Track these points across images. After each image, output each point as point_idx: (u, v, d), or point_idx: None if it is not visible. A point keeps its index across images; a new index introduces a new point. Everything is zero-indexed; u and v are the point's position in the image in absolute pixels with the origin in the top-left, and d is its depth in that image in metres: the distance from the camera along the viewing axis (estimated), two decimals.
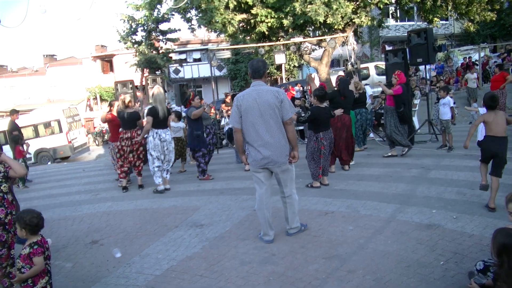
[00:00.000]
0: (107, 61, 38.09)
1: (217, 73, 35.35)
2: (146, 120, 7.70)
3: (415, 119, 11.78)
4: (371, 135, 12.22)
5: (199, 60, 36.36)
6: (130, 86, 12.38)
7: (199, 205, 6.59)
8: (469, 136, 5.59)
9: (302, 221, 5.04)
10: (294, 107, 4.68)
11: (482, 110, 8.38)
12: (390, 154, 9.24)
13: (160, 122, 7.55)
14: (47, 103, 37.53)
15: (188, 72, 36.16)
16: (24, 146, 10.53)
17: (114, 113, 8.62)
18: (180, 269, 4.29)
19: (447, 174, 7.10)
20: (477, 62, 24.51)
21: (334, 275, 3.83)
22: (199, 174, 8.72)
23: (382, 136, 11.62)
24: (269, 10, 13.18)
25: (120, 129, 8.12)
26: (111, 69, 37.96)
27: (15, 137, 10.32)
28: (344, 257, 4.17)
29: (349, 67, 13.59)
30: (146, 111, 8.86)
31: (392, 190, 6.42)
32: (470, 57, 25.39)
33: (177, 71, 35.24)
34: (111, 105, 8.88)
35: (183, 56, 36.25)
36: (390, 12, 21.11)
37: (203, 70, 35.31)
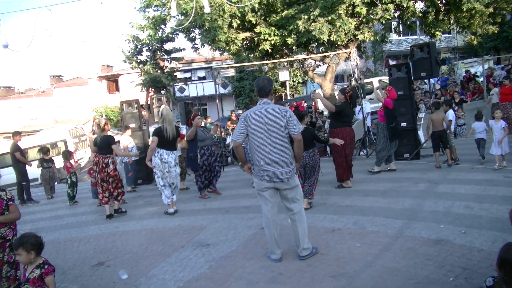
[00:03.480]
0: (113, 81, 38.48)
1: (222, 90, 35.54)
2: (151, 140, 7.66)
3: (420, 133, 11.75)
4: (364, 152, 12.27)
5: (203, 78, 36.64)
6: (136, 105, 12.46)
7: (205, 224, 6.57)
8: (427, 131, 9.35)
9: (309, 239, 4.96)
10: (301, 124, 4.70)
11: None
12: (389, 168, 9.22)
13: (166, 142, 7.33)
14: (53, 123, 37.85)
15: (193, 90, 36.43)
16: (72, 160, 10.41)
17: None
18: None
19: (454, 188, 7.05)
20: (477, 75, 24.49)
21: None
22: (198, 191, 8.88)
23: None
24: (273, 28, 13.33)
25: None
26: (117, 89, 38.33)
27: (65, 152, 10.52)
28: (352, 275, 4.13)
29: (353, 82, 13.64)
30: (151, 130, 8.97)
31: (399, 205, 6.38)
32: (469, 71, 25.32)
33: (182, 90, 35.51)
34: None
35: (188, 75, 36.56)
36: (393, 26, 21.24)
37: (208, 88, 35.56)
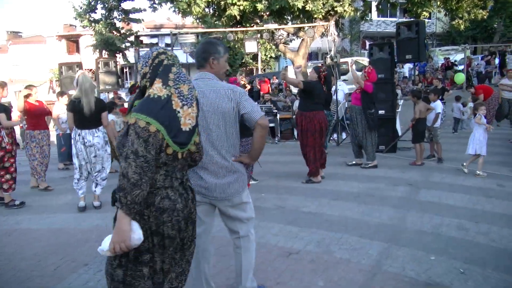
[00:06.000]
0: (73, 41, 35.90)
1: (190, 60, 33.60)
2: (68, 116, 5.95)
3: (398, 123, 10.54)
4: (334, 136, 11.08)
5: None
6: (77, 69, 10.75)
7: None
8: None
9: (256, 265, 3.54)
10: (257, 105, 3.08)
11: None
12: (354, 162, 8.02)
13: (84, 119, 5.64)
14: (8, 83, 35.12)
15: None
16: None
17: (31, 101, 7.23)
18: None
19: (440, 197, 5.83)
20: (456, 63, 23.62)
21: None
22: None
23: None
24: None
25: None
26: (77, 50, 35.76)
27: None
28: None
29: (328, 60, 12.25)
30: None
31: (376, 217, 5.10)
32: (448, 58, 24.51)
33: None
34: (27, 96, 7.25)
35: (154, 40, 34.35)
36: (374, 3, 19.86)
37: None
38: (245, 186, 3.08)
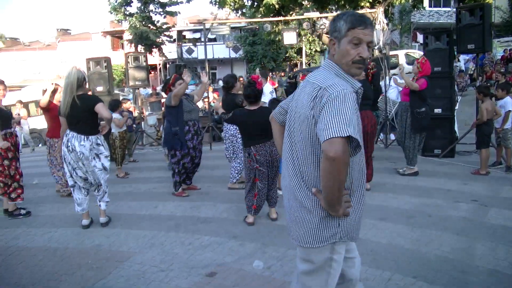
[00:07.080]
0: (118, 37, 36.03)
1: (233, 54, 32.98)
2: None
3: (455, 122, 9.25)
4: (392, 136, 10.01)
5: (214, 40, 33.89)
6: (105, 64, 10.17)
7: (133, 251, 4.31)
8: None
9: None
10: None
11: None
12: (408, 172, 6.86)
13: (69, 122, 4.86)
14: (56, 79, 35.88)
15: (203, 52, 33.81)
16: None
17: (55, 101, 6.61)
18: None
19: None
20: None
21: None
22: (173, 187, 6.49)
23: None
24: None
25: None
26: (122, 46, 35.85)
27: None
28: None
29: (376, 52, 11.06)
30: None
31: (435, 248, 4.04)
32: (511, 49, 22.48)
33: (190, 51, 32.96)
34: (54, 91, 6.63)
35: (197, 35, 33.83)
36: None
37: (218, 50, 32.87)
38: (319, 242, 2.08)
